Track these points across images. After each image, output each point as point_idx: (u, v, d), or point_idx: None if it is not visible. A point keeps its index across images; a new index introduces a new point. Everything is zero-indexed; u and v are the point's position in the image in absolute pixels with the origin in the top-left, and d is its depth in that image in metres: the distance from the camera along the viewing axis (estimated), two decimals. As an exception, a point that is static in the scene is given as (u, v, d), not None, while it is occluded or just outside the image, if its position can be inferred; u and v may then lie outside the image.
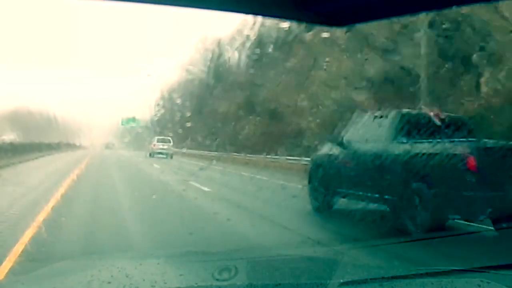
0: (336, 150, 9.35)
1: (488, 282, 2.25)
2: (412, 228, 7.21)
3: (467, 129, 8.64)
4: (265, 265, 3.02)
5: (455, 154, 7.00)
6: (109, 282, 2.20)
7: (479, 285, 2.24)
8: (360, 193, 8.58)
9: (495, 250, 6.51)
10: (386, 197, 7.98)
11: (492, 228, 7.32)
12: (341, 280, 2.19)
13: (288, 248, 6.46)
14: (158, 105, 53.41)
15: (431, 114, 8.48)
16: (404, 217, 7.45)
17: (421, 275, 2.51)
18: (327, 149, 9.82)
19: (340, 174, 9.14)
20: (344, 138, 9.24)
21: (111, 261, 3.37)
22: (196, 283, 2.27)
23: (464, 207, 6.99)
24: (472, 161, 6.82)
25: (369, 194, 8.39)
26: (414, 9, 2.10)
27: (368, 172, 8.39)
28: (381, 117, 8.95)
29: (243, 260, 3.23)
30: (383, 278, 2.36)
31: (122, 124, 58.65)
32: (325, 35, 20.57)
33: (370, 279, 2.43)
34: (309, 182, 9.97)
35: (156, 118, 51.64)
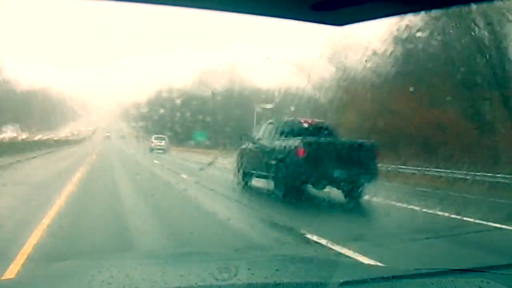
0: (250, 145, 14.29)
1: (488, 282, 2.24)
2: (281, 192, 11.71)
3: (328, 131, 13.49)
4: (265, 265, 3.01)
5: (294, 146, 11.64)
6: (109, 283, 2.19)
7: (479, 285, 2.23)
8: (259, 172, 13.38)
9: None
10: (271, 174, 12.43)
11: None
12: (341, 280, 2.18)
13: (288, 248, 6.47)
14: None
15: (303, 121, 13.65)
16: (276, 185, 12.15)
17: (421, 275, 2.50)
18: (247, 144, 14.64)
19: (250, 160, 13.99)
20: (256, 136, 14.25)
21: (111, 261, 3.36)
22: (196, 283, 2.26)
23: (302, 178, 11.46)
24: (300, 150, 11.39)
25: (263, 173, 13.10)
26: (413, 9, 2.10)
27: (261, 158, 13.12)
28: (274, 123, 14.02)
29: (243, 260, 3.22)
30: (383, 278, 2.36)
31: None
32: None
33: (370, 279, 2.42)
34: (236, 166, 14.95)
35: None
